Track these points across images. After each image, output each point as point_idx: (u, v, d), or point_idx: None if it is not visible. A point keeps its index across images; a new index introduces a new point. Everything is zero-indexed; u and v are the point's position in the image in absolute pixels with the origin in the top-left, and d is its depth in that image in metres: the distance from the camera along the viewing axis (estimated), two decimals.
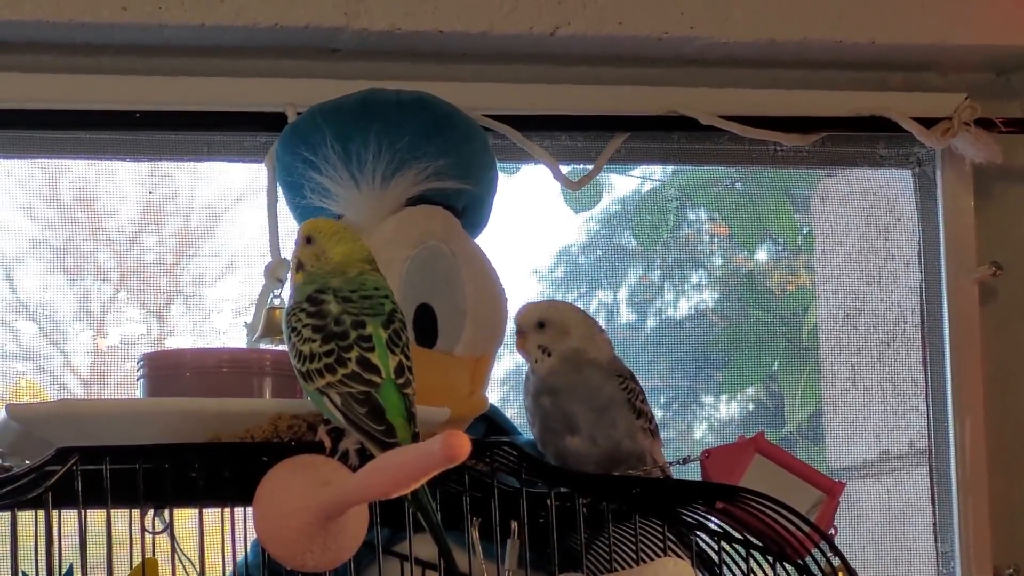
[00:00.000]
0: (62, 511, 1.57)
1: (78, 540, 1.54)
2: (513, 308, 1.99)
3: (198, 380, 1.75)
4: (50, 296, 2.33)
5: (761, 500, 1.72)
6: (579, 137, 2.37)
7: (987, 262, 2.41)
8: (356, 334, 1.55)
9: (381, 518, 1.61)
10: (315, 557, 1.51)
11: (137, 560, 1.62)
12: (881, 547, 2.44)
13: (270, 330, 2.02)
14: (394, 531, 1.76)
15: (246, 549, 1.72)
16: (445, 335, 1.94)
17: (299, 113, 2.13)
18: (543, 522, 1.71)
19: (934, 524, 2.41)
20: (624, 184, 2.54)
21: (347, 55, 2.30)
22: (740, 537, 1.75)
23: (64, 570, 1.62)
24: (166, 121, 2.25)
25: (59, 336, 2.34)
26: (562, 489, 1.72)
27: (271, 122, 2.22)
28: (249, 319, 2.07)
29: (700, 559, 1.76)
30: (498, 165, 2.10)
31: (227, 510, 1.59)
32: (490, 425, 2.04)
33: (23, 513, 1.55)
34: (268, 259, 2.18)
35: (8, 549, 1.56)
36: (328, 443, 1.58)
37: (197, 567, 1.57)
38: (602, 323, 2.02)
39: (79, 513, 1.55)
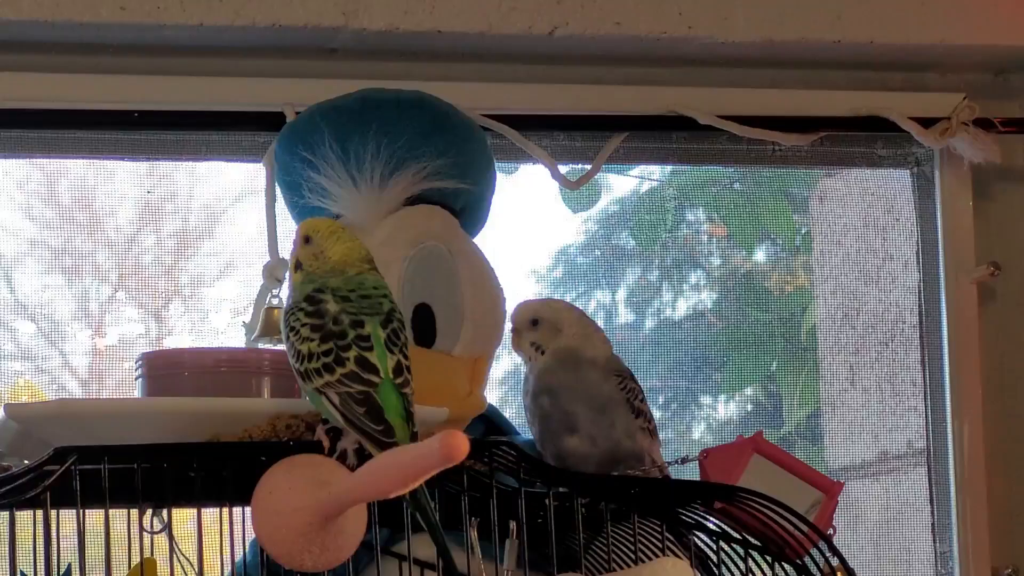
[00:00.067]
0: (60, 511, 1.57)
1: (76, 540, 1.54)
2: (511, 308, 1.99)
3: (196, 380, 1.75)
4: (48, 296, 2.33)
5: (760, 500, 1.72)
6: (577, 137, 2.37)
7: (986, 262, 2.41)
8: (354, 333, 1.55)
9: (380, 518, 1.61)
10: (314, 557, 1.51)
11: (136, 560, 1.62)
12: (880, 547, 2.44)
13: (268, 330, 2.02)
14: (393, 531, 1.76)
15: (244, 549, 1.72)
16: (443, 335, 1.94)
17: (298, 113, 2.12)
18: (542, 522, 1.71)
19: (932, 524, 2.41)
20: (622, 184, 2.54)
21: (346, 55, 2.30)
22: (739, 537, 1.74)
23: (62, 570, 1.62)
24: (165, 121, 2.25)
25: (58, 336, 2.34)
26: (561, 489, 1.72)
27: (270, 122, 2.22)
28: (247, 319, 2.08)
29: (699, 559, 1.75)
30: (496, 165, 2.10)
31: (225, 510, 1.59)
32: (489, 425, 2.04)
33: (21, 513, 1.55)
34: (266, 259, 2.18)
35: (6, 549, 1.56)
36: (326, 443, 1.58)
37: (196, 567, 1.57)
38: (601, 323, 2.02)
39: (77, 513, 1.55)
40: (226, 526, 1.58)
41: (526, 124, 2.31)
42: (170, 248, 2.39)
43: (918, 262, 2.45)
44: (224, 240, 2.39)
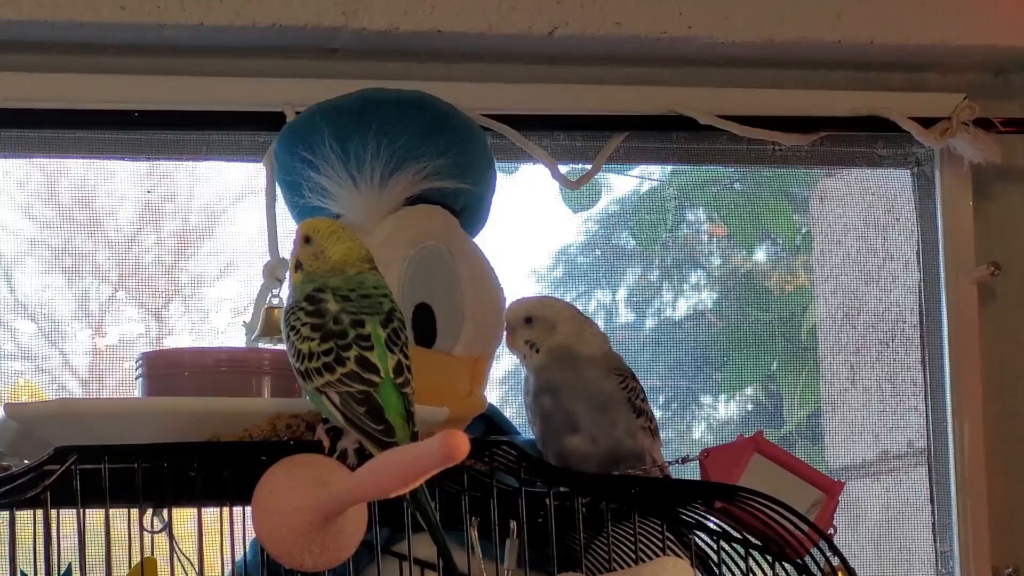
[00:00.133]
0: (61, 510, 1.57)
1: (77, 539, 1.54)
2: None
3: (197, 379, 1.75)
4: (49, 296, 2.33)
5: (760, 500, 1.72)
6: (578, 137, 2.37)
7: (986, 262, 2.41)
8: (355, 333, 1.55)
9: (380, 518, 1.61)
10: (314, 557, 1.51)
11: (136, 559, 1.62)
12: (880, 547, 2.44)
13: (268, 329, 2.02)
14: (393, 531, 1.76)
15: (245, 548, 1.72)
16: (444, 335, 1.94)
17: (298, 112, 2.12)
18: (542, 522, 1.71)
19: (933, 524, 2.41)
20: (623, 184, 2.54)
21: (346, 55, 2.30)
22: (739, 536, 1.74)
23: (63, 569, 1.61)
24: (165, 120, 2.25)
25: (58, 336, 2.34)
26: (561, 489, 1.72)
27: (270, 121, 2.22)
28: (248, 318, 2.07)
29: (699, 559, 1.75)
30: (497, 165, 2.10)
31: (226, 509, 1.59)
32: (489, 425, 2.04)
33: (22, 512, 1.55)
34: (267, 258, 2.18)
35: (7, 549, 1.56)
36: (327, 442, 1.58)
37: (196, 566, 1.57)
38: (601, 323, 2.02)
39: (78, 512, 1.55)
40: (226, 525, 1.58)
41: (526, 124, 2.31)
42: (170, 248, 2.39)
43: (918, 262, 2.45)
44: (224, 240, 2.39)
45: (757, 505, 1.72)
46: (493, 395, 2.15)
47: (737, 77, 2.40)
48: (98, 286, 2.35)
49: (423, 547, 1.64)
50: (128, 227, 2.37)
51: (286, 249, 2.08)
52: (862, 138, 2.44)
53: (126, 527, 1.58)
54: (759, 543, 1.74)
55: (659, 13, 2.30)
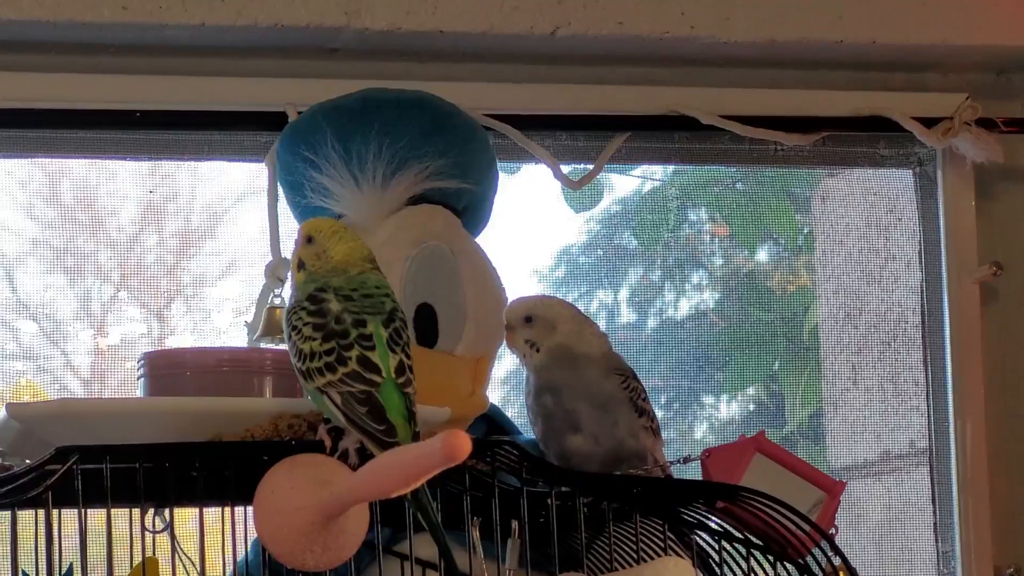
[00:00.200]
0: (62, 510, 1.57)
1: (78, 539, 1.54)
2: None
3: (198, 379, 1.75)
4: (50, 296, 2.33)
5: (762, 499, 1.72)
6: (580, 137, 2.37)
7: (988, 262, 2.41)
8: (357, 333, 1.55)
9: (381, 518, 1.61)
10: (315, 556, 1.51)
11: (137, 559, 1.62)
12: (882, 547, 2.44)
13: (270, 329, 2.02)
14: (394, 531, 1.76)
15: (246, 548, 1.72)
16: (446, 335, 1.94)
17: (300, 112, 2.12)
18: (543, 521, 1.71)
19: (935, 524, 2.41)
20: (625, 184, 2.54)
21: (347, 54, 2.30)
22: (741, 536, 1.74)
23: (64, 569, 1.62)
24: (167, 120, 2.25)
25: (59, 336, 2.34)
26: (563, 488, 1.72)
27: (272, 121, 2.22)
28: (249, 318, 2.07)
29: (700, 558, 1.75)
30: (499, 164, 2.10)
31: (227, 509, 1.59)
32: (491, 425, 2.04)
33: (23, 512, 1.55)
34: (269, 258, 2.18)
35: (8, 549, 1.56)
36: (328, 442, 1.58)
37: (197, 566, 1.57)
38: (603, 323, 2.02)
39: (79, 512, 1.55)
40: (228, 525, 1.59)
41: (528, 124, 2.31)
42: (172, 248, 2.39)
43: (920, 262, 2.45)
44: (226, 240, 2.39)
45: (759, 505, 1.72)
46: (495, 395, 2.15)
47: (739, 77, 2.40)
48: (100, 286, 2.35)
49: (424, 547, 1.64)
50: (130, 227, 2.37)
51: (288, 249, 2.07)
52: (864, 138, 2.44)
53: (127, 527, 1.58)
54: (761, 543, 1.74)
55: (661, 13, 2.30)
